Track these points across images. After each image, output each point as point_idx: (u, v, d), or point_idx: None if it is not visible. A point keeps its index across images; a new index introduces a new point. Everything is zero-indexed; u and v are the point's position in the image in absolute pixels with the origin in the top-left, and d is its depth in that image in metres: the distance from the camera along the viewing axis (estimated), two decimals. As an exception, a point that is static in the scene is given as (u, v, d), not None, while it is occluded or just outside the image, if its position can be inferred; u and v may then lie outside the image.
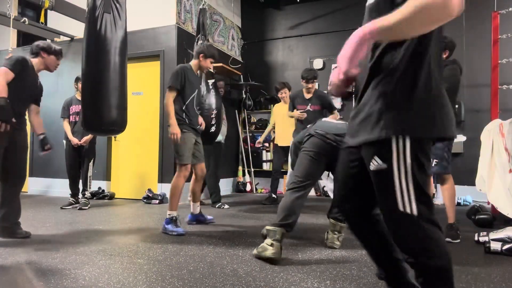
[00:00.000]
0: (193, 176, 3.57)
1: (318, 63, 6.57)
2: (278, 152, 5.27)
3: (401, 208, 1.11)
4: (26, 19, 5.51)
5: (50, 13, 6.23)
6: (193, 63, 3.48)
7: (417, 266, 1.14)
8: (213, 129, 4.19)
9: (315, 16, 6.70)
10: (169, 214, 3.25)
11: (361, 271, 2.21)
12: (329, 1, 6.60)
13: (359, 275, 2.14)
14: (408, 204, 1.11)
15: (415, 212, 1.10)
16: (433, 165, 3.03)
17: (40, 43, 3.13)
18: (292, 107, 4.78)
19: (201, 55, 3.44)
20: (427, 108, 1.09)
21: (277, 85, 5.47)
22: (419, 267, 1.14)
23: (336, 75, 1.10)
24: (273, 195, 5.22)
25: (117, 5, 3.08)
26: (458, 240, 2.95)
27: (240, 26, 7.23)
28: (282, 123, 5.23)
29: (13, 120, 2.75)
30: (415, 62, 1.08)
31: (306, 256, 2.55)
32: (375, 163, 1.14)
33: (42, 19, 6.04)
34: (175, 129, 3.21)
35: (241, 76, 6.76)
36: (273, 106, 5.90)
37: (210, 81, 4.32)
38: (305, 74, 4.63)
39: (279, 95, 5.40)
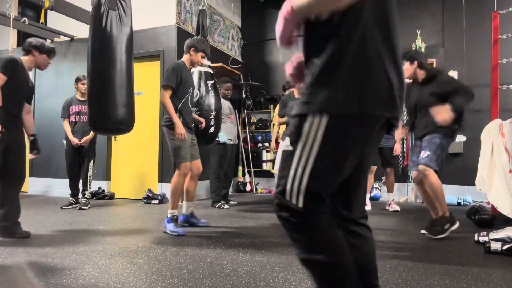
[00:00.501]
0: (188, 174, 3.48)
1: (318, 63, 6.56)
2: None
3: (287, 196, 1.01)
4: (26, 19, 5.51)
5: (50, 13, 6.22)
6: (185, 58, 3.43)
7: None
8: (212, 129, 4.19)
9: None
10: (170, 213, 3.25)
11: (361, 271, 2.21)
12: (329, 1, 6.59)
13: (359, 275, 2.14)
14: (296, 193, 1.00)
15: (300, 204, 0.99)
16: (424, 156, 3.05)
17: (33, 40, 3.08)
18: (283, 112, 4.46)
19: (192, 49, 3.40)
20: (350, 81, 0.98)
21: (285, 83, 5.43)
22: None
23: (288, 66, 1.13)
24: None
25: (123, 2, 3.07)
26: (442, 236, 3.03)
27: (240, 26, 7.23)
28: None
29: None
30: (340, 37, 0.99)
31: (306, 256, 2.54)
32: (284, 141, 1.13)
33: (42, 19, 6.04)
34: (181, 129, 3.17)
35: (241, 76, 6.75)
36: (277, 106, 5.88)
37: (210, 82, 4.31)
38: None
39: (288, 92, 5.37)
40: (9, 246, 2.73)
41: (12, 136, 2.93)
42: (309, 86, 1.02)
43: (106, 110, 3.02)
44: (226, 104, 5.02)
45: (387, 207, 4.74)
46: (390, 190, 4.75)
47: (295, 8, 0.99)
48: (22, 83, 3.00)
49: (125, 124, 3.12)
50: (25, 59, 3.04)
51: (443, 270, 2.24)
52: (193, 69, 4.36)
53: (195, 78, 4.25)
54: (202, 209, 4.63)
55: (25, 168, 3.13)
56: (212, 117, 4.18)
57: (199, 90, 4.19)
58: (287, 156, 1.02)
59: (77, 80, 4.80)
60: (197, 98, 4.14)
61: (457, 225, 3.05)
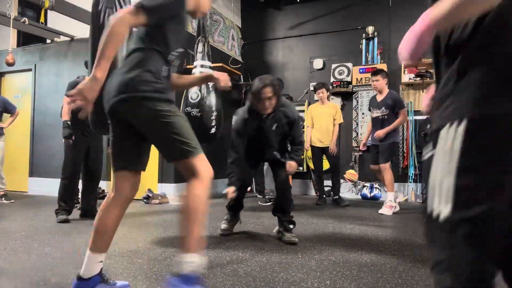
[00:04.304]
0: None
1: (318, 63, 6.57)
2: (316, 153, 5.29)
3: None
4: (26, 19, 5.51)
5: (50, 13, 6.23)
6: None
7: None
8: (213, 130, 4.19)
9: (315, 16, 6.70)
10: (190, 262, 1.57)
11: (361, 271, 2.21)
12: (329, 1, 6.60)
13: (359, 275, 2.14)
14: None
15: None
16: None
17: None
18: None
19: None
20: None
21: (315, 85, 5.43)
22: None
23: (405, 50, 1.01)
24: (324, 195, 5.31)
25: (121, 1, 3.08)
26: None
27: (240, 26, 7.23)
28: (319, 124, 5.24)
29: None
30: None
31: (306, 256, 2.55)
32: None
33: (42, 19, 6.04)
34: None
35: (241, 76, 6.75)
36: (308, 106, 5.87)
37: (210, 83, 4.31)
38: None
39: (316, 95, 5.37)
40: (9, 246, 2.73)
41: (90, 142, 3.88)
42: None
43: (103, 108, 3.02)
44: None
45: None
46: (389, 188, 4.62)
47: (434, 20, 0.89)
48: None
49: None
50: None
51: (443, 270, 2.23)
52: (193, 70, 4.36)
53: None
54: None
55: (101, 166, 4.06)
56: (213, 117, 4.18)
57: (200, 91, 4.19)
58: None
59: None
60: (198, 99, 4.14)
61: None
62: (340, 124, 5.31)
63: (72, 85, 3.98)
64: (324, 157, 5.32)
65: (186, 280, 1.54)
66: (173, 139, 1.62)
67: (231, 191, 2.93)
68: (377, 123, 4.61)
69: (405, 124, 5.67)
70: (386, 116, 4.54)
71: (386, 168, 4.52)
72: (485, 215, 0.85)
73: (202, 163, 1.68)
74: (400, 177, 5.81)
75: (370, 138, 4.86)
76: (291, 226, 3.00)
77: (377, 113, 4.62)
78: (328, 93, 5.45)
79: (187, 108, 4.16)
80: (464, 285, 0.86)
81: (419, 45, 0.93)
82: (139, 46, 1.67)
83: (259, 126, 2.93)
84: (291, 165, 3.00)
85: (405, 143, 5.85)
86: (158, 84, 1.65)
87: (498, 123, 0.85)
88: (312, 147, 5.31)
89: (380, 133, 4.50)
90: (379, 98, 4.63)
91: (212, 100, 4.25)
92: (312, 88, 6.58)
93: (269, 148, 3.06)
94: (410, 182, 5.73)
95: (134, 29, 1.71)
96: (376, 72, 4.66)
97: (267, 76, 2.90)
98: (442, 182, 0.89)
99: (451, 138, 0.89)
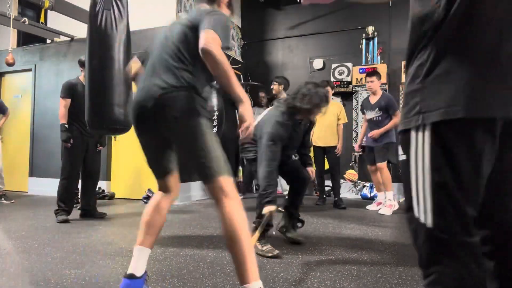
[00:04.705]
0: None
1: (318, 63, 6.57)
2: (318, 152, 5.26)
3: None
4: (26, 19, 5.51)
5: (50, 13, 6.23)
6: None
7: None
8: (214, 130, 4.20)
9: (315, 16, 6.70)
10: None
11: (361, 271, 2.21)
12: (329, 1, 6.59)
13: (359, 275, 2.14)
14: None
15: None
16: None
17: None
18: None
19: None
20: None
21: (319, 83, 5.35)
22: None
23: None
24: (324, 196, 5.30)
25: (118, 2, 3.08)
26: None
27: (240, 26, 7.23)
28: (321, 124, 5.23)
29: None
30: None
31: (306, 256, 2.54)
32: None
33: (42, 19, 6.04)
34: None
35: (241, 76, 6.75)
36: None
37: (212, 83, 4.31)
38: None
39: None
40: (8, 247, 2.73)
41: (88, 142, 3.93)
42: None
43: (100, 109, 3.02)
44: (259, 112, 5.32)
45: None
46: (387, 188, 4.58)
47: None
48: None
49: (122, 124, 3.10)
50: None
51: (443, 270, 2.23)
52: None
53: None
54: (202, 208, 4.64)
55: (99, 165, 4.09)
56: (214, 117, 4.19)
57: None
58: None
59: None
60: None
61: None
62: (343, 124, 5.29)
63: (66, 87, 3.92)
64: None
65: None
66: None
67: (273, 210, 2.55)
68: (373, 125, 4.62)
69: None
70: (380, 118, 4.56)
71: (383, 168, 4.53)
72: (462, 228, 0.85)
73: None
74: (400, 177, 5.81)
75: (365, 140, 4.87)
76: (299, 225, 2.98)
77: (371, 115, 4.63)
78: (332, 91, 5.42)
79: None
80: None
81: None
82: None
83: (294, 130, 2.83)
84: (313, 171, 3.08)
85: (405, 143, 5.84)
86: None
87: (464, 129, 0.82)
88: (314, 146, 5.30)
89: (376, 133, 4.52)
90: (373, 99, 4.63)
91: (213, 100, 4.25)
92: (312, 88, 6.59)
93: (291, 150, 3.03)
94: (410, 182, 5.72)
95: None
96: (372, 73, 4.67)
97: (322, 90, 2.82)
98: (420, 191, 0.89)
99: (420, 143, 0.87)
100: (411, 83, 0.90)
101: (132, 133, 3.65)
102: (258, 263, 2.38)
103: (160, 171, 1.80)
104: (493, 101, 0.81)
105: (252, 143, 2.82)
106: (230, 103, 5.95)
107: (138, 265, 1.68)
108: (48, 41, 6.56)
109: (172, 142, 1.70)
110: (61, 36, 6.25)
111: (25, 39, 7.02)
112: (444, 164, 0.84)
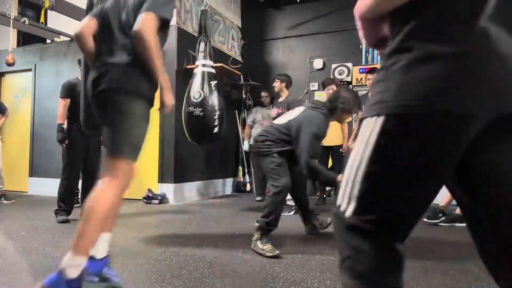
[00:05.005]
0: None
1: (318, 63, 6.57)
2: (322, 152, 5.21)
3: None
4: (26, 19, 5.51)
5: (50, 13, 6.23)
6: None
7: None
8: (216, 129, 4.19)
9: (315, 16, 6.70)
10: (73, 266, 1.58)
11: (361, 271, 2.21)
12: (329, 1, 6.60)
13: (359, 275, 2.14)
14: None
15: None
16: None
17: None
18: None
19: None
20: None
21: (323, 80, 5.27)
22: None
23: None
24: (324, 196, 5.31)
25: None
26: (432, 221, 3.66)
27: (240, 26, 7.23)
28: None
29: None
30: None
31: (306, 256, 2.54)
32: None
33: (42, 19, 6.04)
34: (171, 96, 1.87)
35: (241, 76, 6.75)
36: None
37: (213, 82, 4.31)
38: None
39: (326, 91, 5.09)
40: (8, 247, 2.73)
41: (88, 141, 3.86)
42: None
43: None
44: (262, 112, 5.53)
45: None
46: None
47: (362, 12, 0.94)
48: None
49: None
50: None
51: (443, 270, 2.24)
52: (195, 70, 4.36)
53: (198, 78, 4.24)
54: (202, 208, 4.63)
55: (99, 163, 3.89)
56: (216, 117, 4.18)
57: (202, 90, 4.18)
58: None
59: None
60: (200, 98, 4.14)
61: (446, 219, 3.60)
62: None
63: (66, 87, 3.92)
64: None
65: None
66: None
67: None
68: None
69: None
70: None
71: None
72: (384, 222, 0.84)
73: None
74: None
75: None
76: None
77: None
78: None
79: (190, 108, 4.15)
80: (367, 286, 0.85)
81: (364, 33, 0.98)
82: None
83: None
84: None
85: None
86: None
87: (414, 124, 0.80)
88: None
89: None
90: None
91: (214, 99, 4.25)
92: (312, 88, 6.59)
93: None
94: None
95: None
96: (372, 70, 4.68)
97: (357, 95, 3.03)
98: (351, 178, 0.87)
99: (368, 132, 0.85)
100: (377, 73, 0.91)
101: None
102: (258, 263, 2.38)
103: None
104: (450, 95, 0.78)
105: (275, 141, 2.87)
106: (230, 103, 5.95)
107: (98, 248, 1.79)
108: (48, 41, 6.56)
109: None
110: (61, 36, 6.25)
111: (25, 39, 7.02)
112: (386, 155, 0.83)
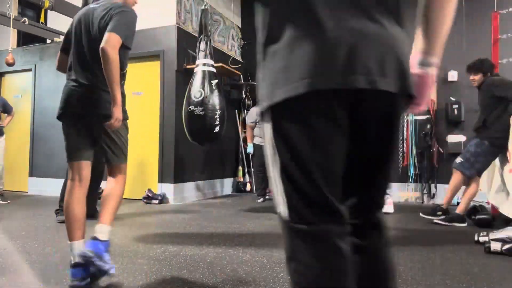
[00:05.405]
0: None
1: (318, 63, 6.57)
2: None
3: None
4: (26, 19, 5.51)
5: (50, 13, 6.22)
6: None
7: None
8: (217, 129, 4.18)
9: (315, 16, 6.69)
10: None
11: (361, 271, 2.21)
12: (329, 1, 6.59)
13: (359, 275, 2.14)
14: None
15: None
16: (458, 161, 3.76)
17: None
18: None
19: None
20: None
21: None
22: None
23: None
24: None
25: None
26: (429, 217, 3.83)
27: (240, 26, 7.23)
28: None
29: None
30: None
31: (306, 256, 2.54)
32: None
33: (42, 19, 6.04)
34: (120, 112, 1.98)
35: (241, 76, 6.75)
36: None
37: (214, 82, 4.30)
38: None
39: None
40: (8, 247, 2.73)
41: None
42: None
43: None
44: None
45: None
46: None
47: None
48: None
49: None
50: None
51: (443, 270, 2.24)
52: (196, 69, 4.35)
53: (199, 77, 4.23)
54: (202, 208, 4.64)
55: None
56: (217, 116, 4.17)
57: (203, 89, 4.17)
58: None
59: None
60: (201, 97, 4.13)
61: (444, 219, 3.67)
62: None
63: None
64: None
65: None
66: None
67: None
68: None
69: (405, 123, 5.68)
70: None
71: None
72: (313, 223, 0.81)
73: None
74: (400, 177, 5.81)
75: None
76: None
77: None
78: None
79: (190, 107, 4.14)
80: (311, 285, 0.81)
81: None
82: None
83: None
84: None
85: (405, 143, 5.84)
86: None
87: (293, 108, 0.79)
88: None
89: None
90: None
91: (215, 99, 4.25)
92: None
93: None
94: (410, 182, 5.72)
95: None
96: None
97: None
98: (273, 183, 0.86)
99: (267, 132, 0.85)
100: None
101: (131, 133, 3.69)
102: (258, 263, 2.38)
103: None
104: (313, 75, 0.77)
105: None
106: (230, 103, 5.95)
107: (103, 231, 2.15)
108: (48, 41, 6.56)
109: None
110: (61, 36, 6.24)
111: (25, 39, 7.02)
112: (283, 149, 0.82)
